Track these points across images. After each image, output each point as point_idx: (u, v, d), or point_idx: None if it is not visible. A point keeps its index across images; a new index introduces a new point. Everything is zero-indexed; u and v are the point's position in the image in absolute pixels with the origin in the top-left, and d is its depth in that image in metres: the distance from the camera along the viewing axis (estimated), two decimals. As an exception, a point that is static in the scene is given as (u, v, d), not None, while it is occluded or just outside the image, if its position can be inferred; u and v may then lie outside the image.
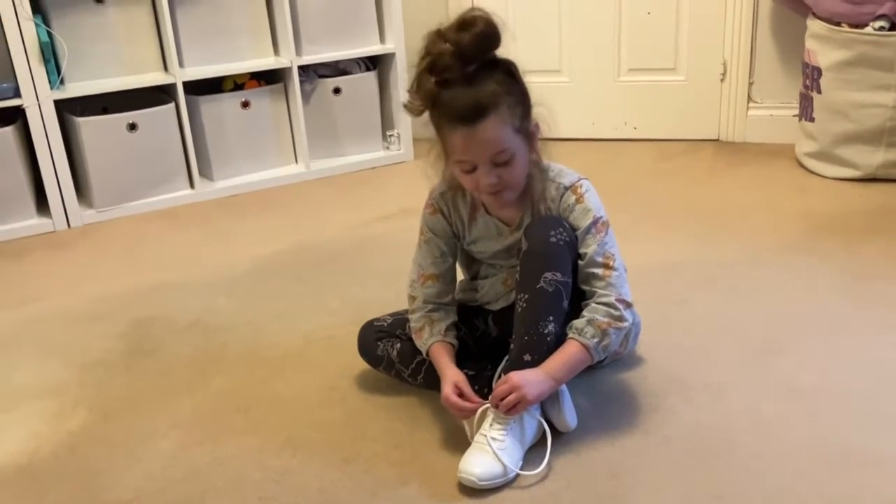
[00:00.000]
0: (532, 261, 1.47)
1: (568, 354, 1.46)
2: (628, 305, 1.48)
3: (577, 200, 1.51)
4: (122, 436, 1.63)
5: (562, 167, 1.55)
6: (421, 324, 1.60)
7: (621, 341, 1.51)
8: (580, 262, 1.50)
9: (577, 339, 1.46)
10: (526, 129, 1.46)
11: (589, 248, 1.49)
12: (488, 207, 1.57)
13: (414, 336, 1.62)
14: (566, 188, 1.52)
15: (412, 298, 1.64)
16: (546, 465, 1.43)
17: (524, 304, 1.47)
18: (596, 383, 1.68)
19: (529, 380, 1.42)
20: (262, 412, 1.67)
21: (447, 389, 1.48)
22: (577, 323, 1.48)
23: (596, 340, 1.45)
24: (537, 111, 1.48)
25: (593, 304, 1.48)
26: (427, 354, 1.59)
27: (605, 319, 1.46)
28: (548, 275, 1.45)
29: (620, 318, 1.47)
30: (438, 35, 1.38)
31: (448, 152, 1.47)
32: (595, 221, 1.50)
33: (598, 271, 1.48)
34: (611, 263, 1.49)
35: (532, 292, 1.46)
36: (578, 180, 1.53)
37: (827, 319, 1.88)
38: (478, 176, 1.44)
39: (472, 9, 1.42)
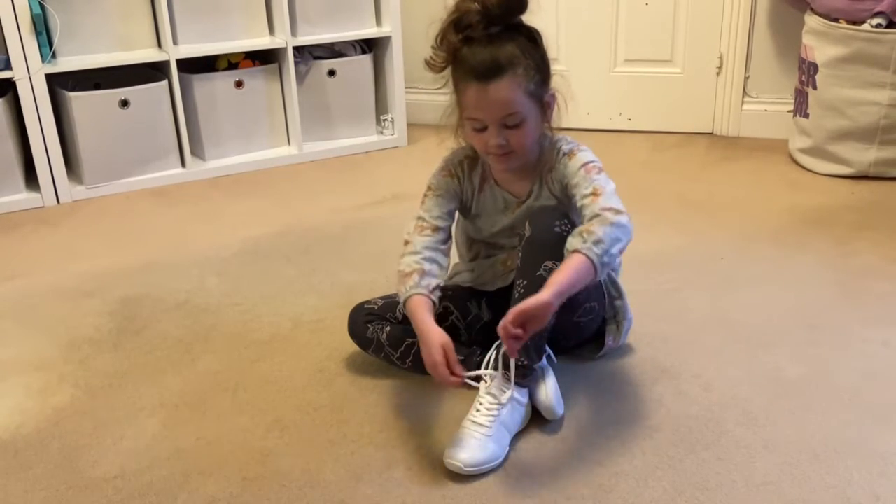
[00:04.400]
0: (534, 248, 1.47)
1: (562, 266, 1.39)
2: (617, 212, 1.42)
3: (569, 158, 1.52)
4: (108, 413, 1.62)
5: (568, 138, 1.56)
6: (412, 269, 1.52)
7: (621, 246, 1.42)
8: (576, 211, 1.49)
9: (567, 251, 1.41)
10: (541, 96, 1.47)
11: (578, 189, 1.48)
12: (494, 172, 1.58)
13: (399, 279, 1.53)
14: (564, 153, 1.53)
15: (407, 243, 1.57)
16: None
17: (522, 290, 1.47)
18: (584, 372, 1.68)
19: (527, 301, 1.33)
20: (249, 393, 1.67)
21: (436, 355, 1.39)
22: (567, 240, 1.44)
23: (582, 240, 1.39)
24: (556, 82, 1.49)
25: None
26: (405, 303, 1.50)
27: (585, 225, 1.42)
28: (548, 263, 1.45)
29: (603, 219, 1.41)
30: None
31: (461, 108, 1.48)
32: (584, 164, 1.50)
33: (587, 200, 1.46)
34: (599, 192, 1.45)
35: (531, 279, 1.46)
36: (577, 146, 1.54)
37: (816, 313, 1.89)
38: (487, 136, 1.46)
39: None
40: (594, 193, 1.46)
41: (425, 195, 1.61)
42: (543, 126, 1.51)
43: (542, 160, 1.55)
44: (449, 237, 1.60)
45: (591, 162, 1.51)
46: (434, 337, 1.42)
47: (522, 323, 1.32)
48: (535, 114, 1.47)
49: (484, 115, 1.44)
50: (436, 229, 1.57)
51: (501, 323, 1.33)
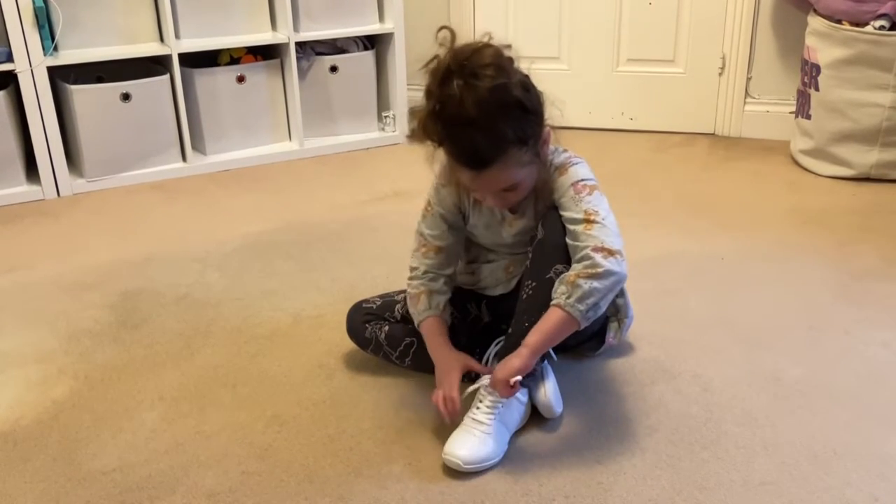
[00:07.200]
0: (545, 250, 1.46)
1: (543, 321, 1.41)
2: (609, 253, 1.38)
3: (560, 173, 1.47)
4: (107, 406, 1.62)
5: (560, 149, 1.51)
6: (419, 290, 1.57)
7: (611, 296, 1.41)
8: (567, 233, 1.44)
9: (553, 296, 1.41)
10: (536, 151, 1.41)
11: (567, 212, 1.44)
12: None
13: (409, 303, 1.59)
14: (556, 168, 1.48)
15: (412, 269, 1.60)
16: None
17: (530, 292, 1.46)
18: (584, 371, 1.68)
19: (505, 369, 1.42)
20: (248, 388, 1.67)
21: (443, 386, 1.47)
22: (555, 284, 1.42)
23: (566, 296, 1.38)
24: (549, 115, 1.41)
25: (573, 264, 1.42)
26: (419, 325, 1.57)
27: (573, 273, 1.39)
28: (559, 266, 1.43)
29: (593, 266, 1.37)
30: (446, 75, 1.30)
31: (453, 173, 1.45)
32: (573, 185, 1.45)
33: (580, 227, 1.41)
34: (592, 217, 1.41)
35: (540, 281, 1.44)
36: (569, 158, 1.49)
37: (816, 315, 1.89)
38: (483, 195, 1.45)
39: (483, 46, 1.32)
40: (586, 220, 1.41)
41: (426, 209, 1.59)
42: (539, 162, 1.44)
43: (538, 184, 1.48)
44: (453, 255, 1.61)
45: (582, 180, 1.45)
46: (446, 363, 1.51)
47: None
48: (532, 169, 1.42)
49: (480, 190, 1.43)
50: (438, 250, 1.58)
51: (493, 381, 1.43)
